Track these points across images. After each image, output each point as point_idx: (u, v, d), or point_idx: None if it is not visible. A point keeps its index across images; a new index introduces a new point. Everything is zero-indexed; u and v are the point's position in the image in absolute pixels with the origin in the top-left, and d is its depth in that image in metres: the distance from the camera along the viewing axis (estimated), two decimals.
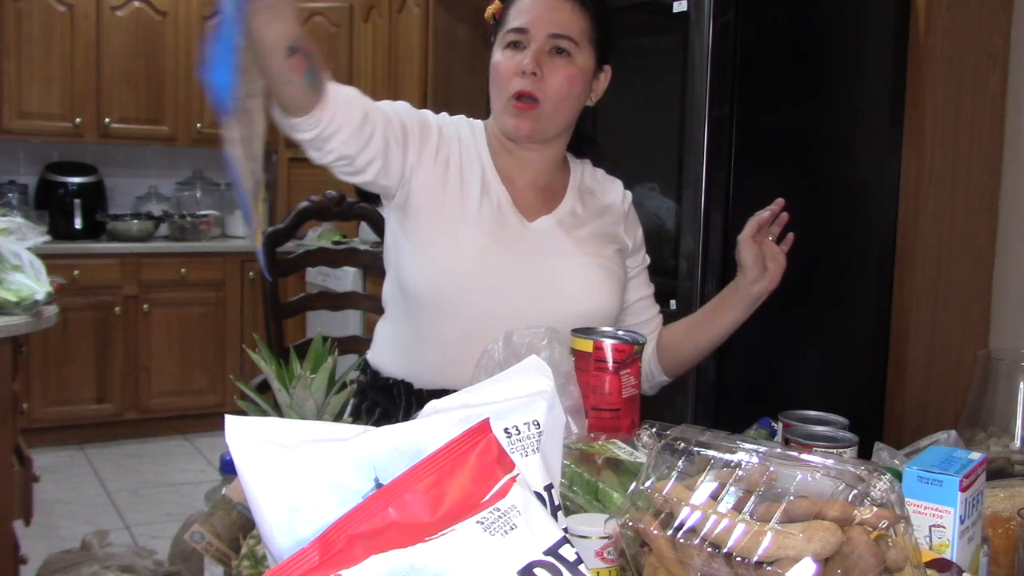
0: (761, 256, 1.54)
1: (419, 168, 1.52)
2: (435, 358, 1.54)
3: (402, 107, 1.55)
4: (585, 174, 1.70)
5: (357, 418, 1.53)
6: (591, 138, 1.79)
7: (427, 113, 1.59)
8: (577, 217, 1.63)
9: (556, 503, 0.73)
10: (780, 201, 1.52)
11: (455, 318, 1.51)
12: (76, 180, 5.01)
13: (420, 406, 1.60)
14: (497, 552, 0.58)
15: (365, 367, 1.64)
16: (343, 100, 1.41)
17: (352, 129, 1.42)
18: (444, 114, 1.64)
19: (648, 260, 1.73)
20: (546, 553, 0.60)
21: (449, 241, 1.51)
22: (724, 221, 2.28)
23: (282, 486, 0.60)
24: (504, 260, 1.53)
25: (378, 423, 0.94)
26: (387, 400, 1.58)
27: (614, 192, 1.72)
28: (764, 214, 1.52)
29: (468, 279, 1.50)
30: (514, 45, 1.53)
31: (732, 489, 0.77)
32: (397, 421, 0.66)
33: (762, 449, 0.80)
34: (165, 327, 4.91)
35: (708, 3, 2.22)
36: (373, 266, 2.42)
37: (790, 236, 1.55)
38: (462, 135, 1.60)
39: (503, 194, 1.58)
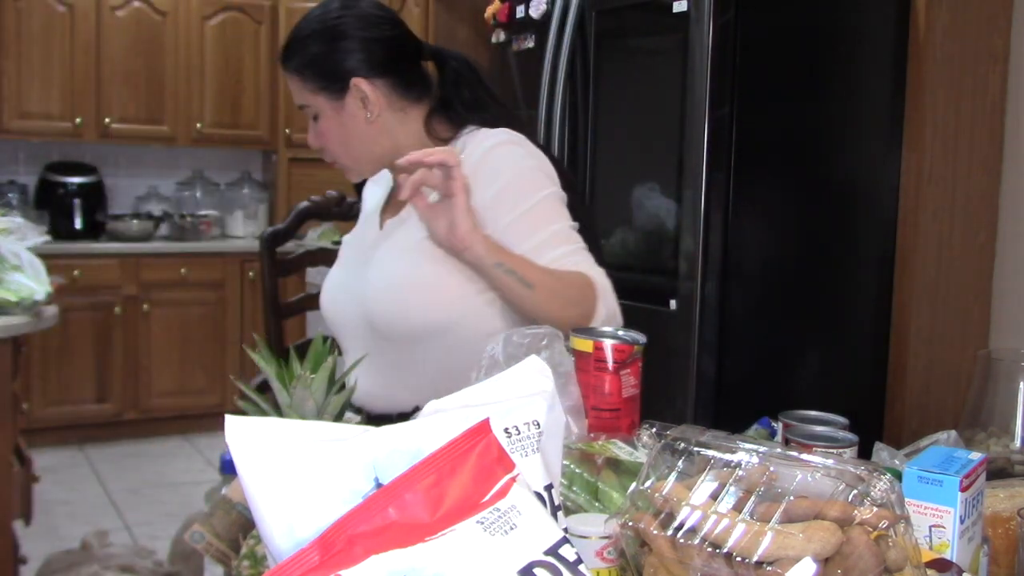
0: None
1: None
2: (362, 383, 1.59)
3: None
4: (467, 148, 1.57)
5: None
6: (470, 102, 1.65)
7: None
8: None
9: (556, 503, 0.73)
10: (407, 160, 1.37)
11: (343, 341, 1.66)
12: (76, 180, 5.01)
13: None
14: (497, 552, 0.58)
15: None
16: None
17: None
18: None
19: (527, 205, 1.51)
20: (546, 553, 0.60)
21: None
22: (724, 221, 2.28)
23: (282, 486, 0.60)
24: (345, 276, 1.67)
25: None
26: None
27: (474, 153, 1.55)
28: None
29: (326, 304, 1.70)
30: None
31: (732, 489, 0.77)
32: None
33: (762, 449, 0.80)
34: (165, 327, 4.91)
35: (708, 3, 2.22)
36: None
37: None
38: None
39: (377, 210, 1.70)
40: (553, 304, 1.42)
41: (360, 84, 1.57)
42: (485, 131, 1.60)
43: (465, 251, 1.37)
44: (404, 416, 1.55)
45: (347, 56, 1.57)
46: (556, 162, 1.63)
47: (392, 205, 1.68)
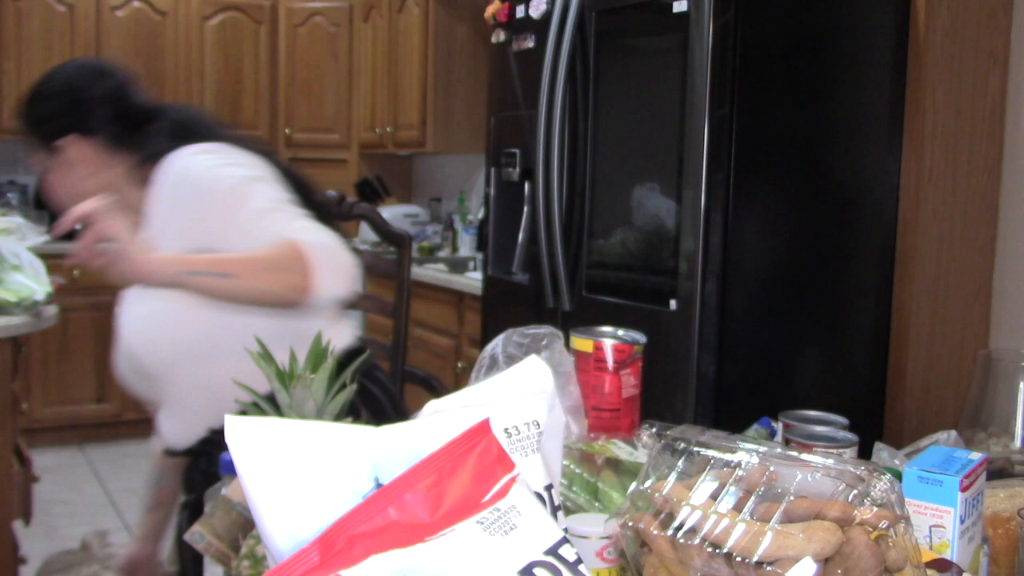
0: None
1: None
2: (165, 428, 1.81)
3: None
4: (160, 172, 1.62)
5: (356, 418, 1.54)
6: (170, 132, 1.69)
7: None
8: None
9: (556, 503, 0.73)
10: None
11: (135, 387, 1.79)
12: None
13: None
14: (497, 552, 0.58)
15: None
16: None
17: None
18: None
19: (230, 201, 1.56)
20: (546, 553, 0.60)
21: None
22: (724, 221, 2.28)
23: (282, 486, 0.60)
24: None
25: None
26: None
27: (167, 175, 1.60)
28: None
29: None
30: None
31: (732, 489, 0.77)
32: None
33: (762, 449, 0.80)
34: None
35: (708, 3, 2.22)
36: (373, 266, 2.42)
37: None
38: None
39: None
40: (264, 279, 1.45)
41: (72, 143, 1.63)
42: (173, 153, 1.61)
43: (151, 277, 1.42)
44: (204, 442, 1.65)
45: (64, 117, 1.64)
46: (272, 160, 1.66)
47: None
